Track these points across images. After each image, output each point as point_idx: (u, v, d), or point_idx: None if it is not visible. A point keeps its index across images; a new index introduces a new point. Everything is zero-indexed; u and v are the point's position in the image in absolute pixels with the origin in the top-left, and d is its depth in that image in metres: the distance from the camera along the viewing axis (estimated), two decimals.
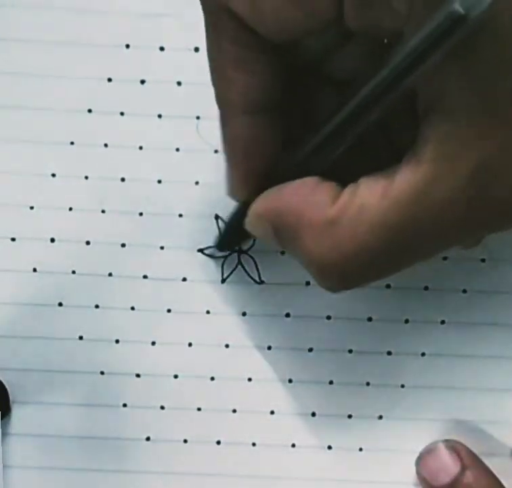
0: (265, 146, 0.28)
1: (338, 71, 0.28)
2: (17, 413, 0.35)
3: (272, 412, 0.35)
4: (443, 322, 0.35)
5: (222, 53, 0.27)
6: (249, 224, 0.29)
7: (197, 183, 0.34)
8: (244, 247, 0.34)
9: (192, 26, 0.34)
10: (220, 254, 0.34)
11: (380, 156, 0.27)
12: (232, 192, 0.30)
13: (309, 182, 0.27)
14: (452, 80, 0.23)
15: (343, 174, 0.26)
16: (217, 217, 0.34)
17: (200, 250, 0.34)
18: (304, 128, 0.28)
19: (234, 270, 0.34)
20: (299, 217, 0.26)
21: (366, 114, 0.25)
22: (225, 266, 0.34)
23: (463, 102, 0.23)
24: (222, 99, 0.28)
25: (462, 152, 0.24)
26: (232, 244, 0.34)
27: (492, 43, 0.23)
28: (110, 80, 0.34)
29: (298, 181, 0.27)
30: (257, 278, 0.34)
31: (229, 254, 0.34)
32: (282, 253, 0.34)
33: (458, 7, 0.21)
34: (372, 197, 0.25)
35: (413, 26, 0.23)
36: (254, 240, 0.34)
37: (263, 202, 0.28)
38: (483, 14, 0.21)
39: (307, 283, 0.35)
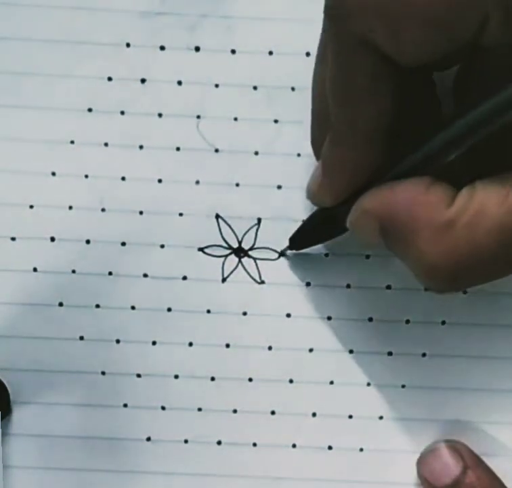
0: (372, 169, 0.28)
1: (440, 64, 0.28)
2: (17, 413, 0.35)
3: (273, 412, 0.35)
4: (443, 322, 0.35)
5: (353, 83, 0.26)
6: (353, 220, 0.29)
7: (197, 182, 0.34)
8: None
9: (192, 25, 0.34)
10: (220, 254, 0.34)
11: (495, 159, 0.26)
12: (321, 202, 0.31)
13: (421, 182, 0.26)
14: None
15: (454, 176, 0.26)
16: (217, 216, 0.34)
17: (201, 249, 0.34)
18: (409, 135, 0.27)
19: (235, 269, 0.34)
20: (412, 217, 0.26)
21: (480, 129, 0.25)
22: (225, 266, 0.34)
23: None
24: (344, 125, 0.27)
25: None
26: (304, 245, 0.34)
27: None
28: (110, 79, 0.34)
29: (410, 180, 0.26)
30: (257, 278, 0.34)
31: (228, 254, 0.34)
32: (281, 254, 0.34)
33: None
34: (491, 201, 0.24)
35: None
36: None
37: (373, 199, 0.28)
38: None
39: (308, 283, 0.34)
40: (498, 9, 0.23)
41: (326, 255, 0.34)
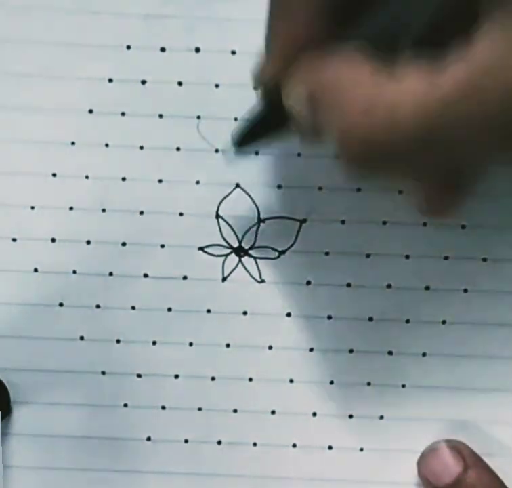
0: (316, 40, 0.27)
1: None
2: (17, 413, 0.35)
3: (273, 412, 0.35)
4: (444, 322, 0.35)
5: None
6: (287, 91, 0.28)
7: (198, 182, 0.35)
8: (257, 147, 0.33)
9: (192, 26, 0.34)
10: (220, 253, 0.34)
11: (432, 47, 0.26)
12: (265, 76, 0.29)
13: (355, 56, 0.26)
14: None
15: (391, 55, 0.25)
16: (217, 216, 0.34)
17: (201, 249, 0.34)
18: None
19: (235, 268, 0.34)
20: (341, 88, 0.25)
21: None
22: (225, 265, 0.34)
23: None
24: None
25: None
26: (249, 141, 0.31)
27: None
28: (111, 80, 0.34)
29: (344, 52, 0.26)
30: (257, 278, 0.34)
31: (228, 254, 0.34)
32: (282, 253, 0.34)
33: None
34: (417, 84, 0.24)
35: None
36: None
37: (306, 69, 0.27)
38: None
39: (308, 283, 0.35)
40: None
41: (327, 253, 0.34)
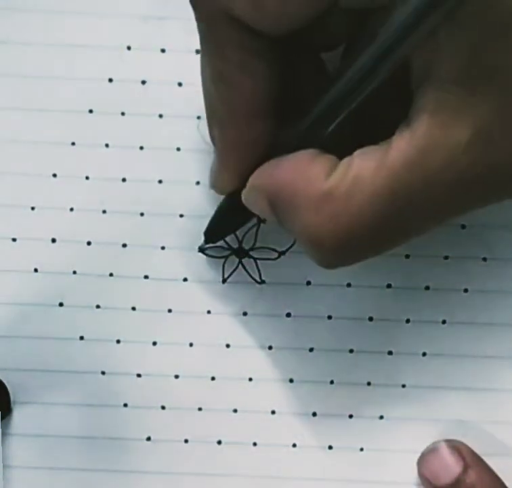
0: (263, 146, 0.28)
1: (325, 42, 0.28)
2: (18, 413, 0.35)
3: (273, 412, 0.35)
4: (444, 321, 0.35)
5: (222, 59, 0.27)
6: (245, 198, 0.29)
7: (198, 183, 0.35)
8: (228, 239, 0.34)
9: (192, 27, 0.34)
10: (220, 254, 0.34)
11: (376, 132, 0.26)
12: (220, 187, 0.31)
13: (305, 156, 0.27)
14: (443, 48, 0.23)
15: (339, 149, 0.26)
16: None
17: (201, 250, 0.34)
18: (297, 111, 0.28)
19: (235, 270, 0.34)
20: (294, 190, 0.26)
21: (359, 88, 0.25)
22: (225, 266, 0.34)
23: (454, 68, 0.23)
24: (223, 104, 0.28)
25: (456, 119, 0.23)
26: (219, 235, 0.34)
27: (480, 10, 0.23)
28: (111, 80, 0.34)
29: (294, 155, 0.27)
30: (257, 278, 0.34)
31: (229, 255, 0.34)
32: (282, 253, 0.34)
33: None
34: (366, 168, 0.25)
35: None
36: (255, 241, 0.34)
37: (260, 176, 0.28)
38: None
39: (308, 283, 0.35)
40: None
41: None
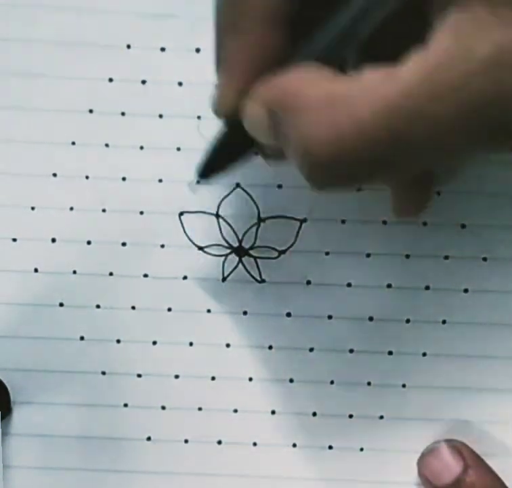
0: (271, 58, 0.27)
1: None
2: (18, 413, 0.35)
3: (273, 412, 0.35)
4: (444, 321, 0.35)
5: None
6: (246, 112, 0.27)
7: (198, 182, 0.34)
8: (224, 175, 0.31)
9: (192, 27, 0.34)
10: (221, 253, 0.34)
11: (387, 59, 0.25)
12: (224, 104, 0.28)
13: (310, 67, 0.25)
14: None
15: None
16: (217, 215, 0.34)
17: (201, 248, 0.34)
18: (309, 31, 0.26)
19: (235, 268, 0.34)
20: (296, 95, 0.24)
21: (375, 11, 0.24)
22: (225, 265, 0.34)
23: None
24: (236, 8, 0.26)
25: (477, 38, 0.22)
26: (214, 170, 0.31)
27: None
28: (111, 80, 0.34)
29: (301, 66, 0.25)
30: (257, 277, 0.34)
31: (229, 253, 0.34)
32: (282, 252, 0.34)
33: None
34: (375, 78, 0.23)
35: None
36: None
37: (264, 85, 0.26)
38: None
39: (308, 283, 0.35)
40: None
41: (327, 253, 0.34)
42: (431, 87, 0.22)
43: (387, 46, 0.25)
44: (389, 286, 0.35)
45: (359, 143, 0.23)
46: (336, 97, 0.24)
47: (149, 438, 0.35)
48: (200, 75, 0.34)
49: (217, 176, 0.31)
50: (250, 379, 0.35)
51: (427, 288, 0.35)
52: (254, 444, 0.35)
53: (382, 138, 0.23)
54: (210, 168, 0.30)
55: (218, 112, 0.29)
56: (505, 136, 0.23)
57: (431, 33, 0.23)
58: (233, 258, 0.34)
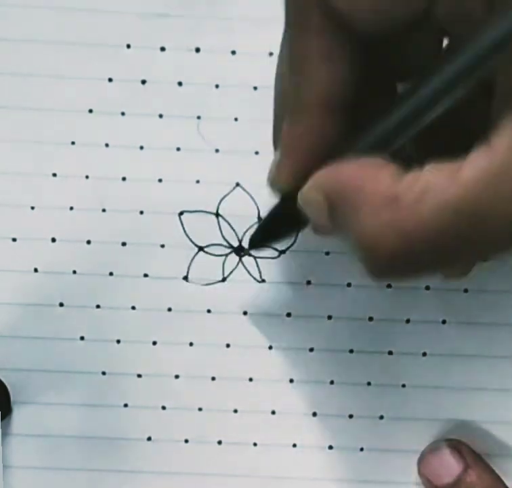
0: (330, 144, 0.27)
1: (407, 61, 0.28)
2: (18, 413, 0.35)
3: (273, 412, 0.35)
4: (444, 321, 0.35)
5: (307, 46, 0.26)
6: (303, 197, 0.28)
7: (198, 182, 0.35)
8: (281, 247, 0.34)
9: (192, 26, 0.34)
10: (221, 253, 0.34)
11: (449, 146, 0.26)
12: (280, 183, 0.29)
13: (374, 160, 0.25)
14: None
15: (407, 163, 0.25)
16: (217, 215, 0.34)
17: (201, 248, 0.34)
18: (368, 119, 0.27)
19: (235, 268, 0.34)
20: (358, 189, 0.25)
21: (436, 105, 0.24)
22: (226, 265, 0.34)
23: None
24: (297, 93, 0.27)
25: None
26: (266, 241, 0.32)
27: None
28: (110, 80, 0.34)
29: (363, 159, 0.26)
30: (257, 277, 0.34)
31: (229, 253, 0.34)
32: (282, 252, 0.34)
33: None
34: (437, 179, 0.23)
35: (494, 16, 0.22)
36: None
37: (323, 174, 0.27)
38: None
39: (308, 282, 0.35)
40: None
41: (327, 253, 0.34)
42: (495, 192, 0.23)
43: (449, 135, 0.26)
44: (389, 286, 0.35)
45: (422, 244, 0.24)
46: (399, 197, 0.24)
47: (149, 438, 0.35)
48: (200, 75, 0.34)
49: (269, 246, 0.33)
50: (250, 379, 0.35)
51: (427, 288, 0.35)
52: (255, 444, 0.35)
53: (446, 240, 0.24)
54: (263, 238, 0.32)
55: (273, 189, 0.29)
56: None
57: (494, 129, 0.23)
58: (234, 258, 0.34)
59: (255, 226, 0.34)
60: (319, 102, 0.26)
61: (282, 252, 0.34)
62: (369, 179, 0.25)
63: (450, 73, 0.23)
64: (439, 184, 0.23)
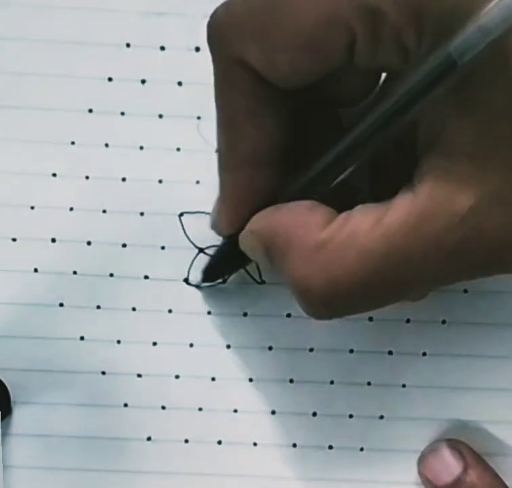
0: (265, 193, 0.28)
1: (341, 98, 0.29)
2: (18, 413, 0.35)
3: (273, 412, 0.35)
4: (444, 321, 0.35)
5: (232, 104, 0.27)
6: (242, 241, 0.30)
7: (198, 182, 0.34)
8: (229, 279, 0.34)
9: (192, 25, 0.34)
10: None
11: (377, 191, 0.27)
12: (220, 229, 0.31)
13: (304, 205, 0.27)
14: (453, 118, 0.23)
15: (339, 204, 0.27)
16: None
17: (201, 250, 0.34)
18: (300, 162, 0.28)
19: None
20: (289, 237, 0.26)
21: (364, 147, 0.25)
22: None
23: (463, 141, 0.23)
24: (228, 148, 0.28)
25: (458, 190, 0.24)
26: (217, 276, 0.34)
27: (491, 86, 0.23)
28: (110, 79, 0.34)
29: (294, 203, 0.27)
30: (257, 278, 0.34)
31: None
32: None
33: (452, 50, 0.22)
34: (364, 224, 0.25)
35: (415, 63, 0.23)
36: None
37: (257, 221, 0.28)
38: (479, 57, 0.22)
39: None
40: (363, 31, 0.23)
41: None
42: (416, 236, 0.24)
43: (378, 174, 0.28)
44: None
45: (350, 285, 0.25)
46: (327, 242, 0.25)
47: (149, 438, 0.35)
48: (200, 74, 0.34)
49: (220, 278, 0.34)
50: (251, 379, 0.35)
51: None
52: (255, 444, 0.35)
53: (372, 281, 0.25)
54: (213, 273, 0.34)
55: (216, 232, 0.32)
56: (487, 271, 0.26)
57: (417, 175, 0.25)
58: None
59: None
60: (247, 158, 0.28)
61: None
62: (299, 224, 0.26)
63: (374, 118, 0.24)
64: (364, 229, 0.25)
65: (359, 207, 0.26)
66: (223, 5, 0.27)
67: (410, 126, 0.25)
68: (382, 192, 0.26)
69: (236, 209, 0.29)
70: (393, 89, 0.24)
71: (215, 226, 0.31)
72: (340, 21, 0.23)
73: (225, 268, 0.34)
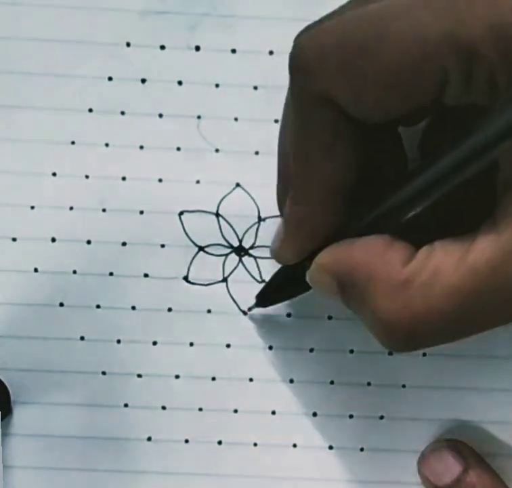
0: (334, 226, 0.28)
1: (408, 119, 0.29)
2: (18, 413, 0.35)
3: (273, 412, 0.35)
4: None
5: (311, 137, 0.26)
6: (312, 276, 0.29)
7: (198, 182, 0.34)
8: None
9: (192, 24, 0.34)
10: (221, 253, 0.34)
11: (456, 220, 0.26)
12: (283, 260, 0.31)
13: (381, 240, 0.26)
14: None
15: (415, 235, 0.26)
16: (217, 215, 0.34)
17: (201, 248, 0.34)
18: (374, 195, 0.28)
19: (235, 268, 0.34)
20: (370, 273, 0.26)
21: (444, 183, 0.25)
22: (226, 265, 0.34)
23: None
24: (301, 181, 0.28)
25: None
26: (271, 301, 0.34)
27: None
28: (110, 79, 0.34)
29: (369, 238, 0.27)
30: (258, 277, 0.34)
31: (229, 253, 0.34)
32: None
33: None
34: (447, 262, 0.25)
35: (505, 102, 0.23)
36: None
37: (330, 256, 0.28)
38: None
39: None
40: (457, 72, 0.23)
41: None
42: (502, 275, 0.24)
43: (455, 211, 0.27)
44: None
45: (434, 322, 0.25)
46: (410, 281, 0.25)
47: (149, 438, 0.35)
48: (200, 74, 0.34)
49: (274, 304, 0.34)
50: (251, 379, 0.35)
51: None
52: (255, 444, 0.35)
53: (456, 319, 0.25)
54: (269, 299, 0.34)
55: (277, 261, 0.31)
56: None
57: (500, 213, 0.24)
58: (234, 258, 0.34)
59: (255, 226, 0.34)
60: (322, 190, 0.27)
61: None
62: (378, 261, 0.26)
63: (455, 158, 0.24)
64: (448, 267, 0.25)
65: (439, 242, 0.25)
66: (308, 32, 0.26)
67: (491, 166, 0.24)
68: (458, 226, 0.26)
69: (302, 240, 0.29)
70: (479, 128, 0.23)
71: (277, 256, 0.31)
72: (435, 62, 0.23)
73: (280, 295, 0.33)
